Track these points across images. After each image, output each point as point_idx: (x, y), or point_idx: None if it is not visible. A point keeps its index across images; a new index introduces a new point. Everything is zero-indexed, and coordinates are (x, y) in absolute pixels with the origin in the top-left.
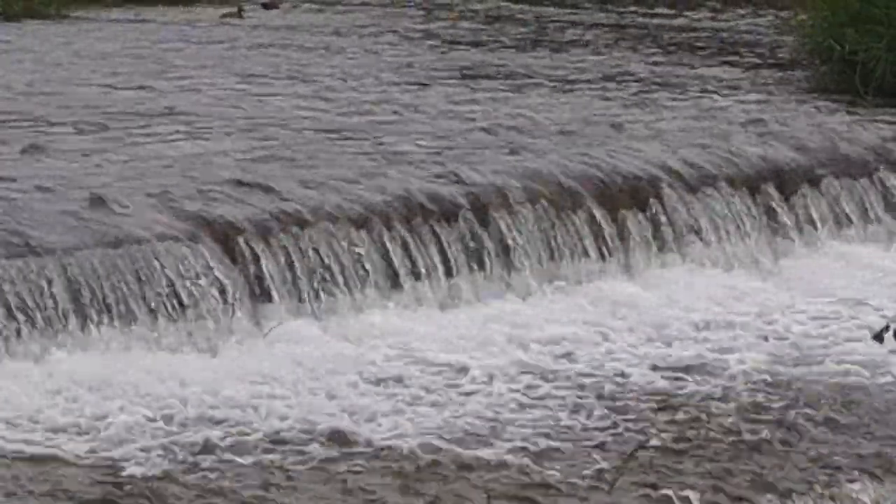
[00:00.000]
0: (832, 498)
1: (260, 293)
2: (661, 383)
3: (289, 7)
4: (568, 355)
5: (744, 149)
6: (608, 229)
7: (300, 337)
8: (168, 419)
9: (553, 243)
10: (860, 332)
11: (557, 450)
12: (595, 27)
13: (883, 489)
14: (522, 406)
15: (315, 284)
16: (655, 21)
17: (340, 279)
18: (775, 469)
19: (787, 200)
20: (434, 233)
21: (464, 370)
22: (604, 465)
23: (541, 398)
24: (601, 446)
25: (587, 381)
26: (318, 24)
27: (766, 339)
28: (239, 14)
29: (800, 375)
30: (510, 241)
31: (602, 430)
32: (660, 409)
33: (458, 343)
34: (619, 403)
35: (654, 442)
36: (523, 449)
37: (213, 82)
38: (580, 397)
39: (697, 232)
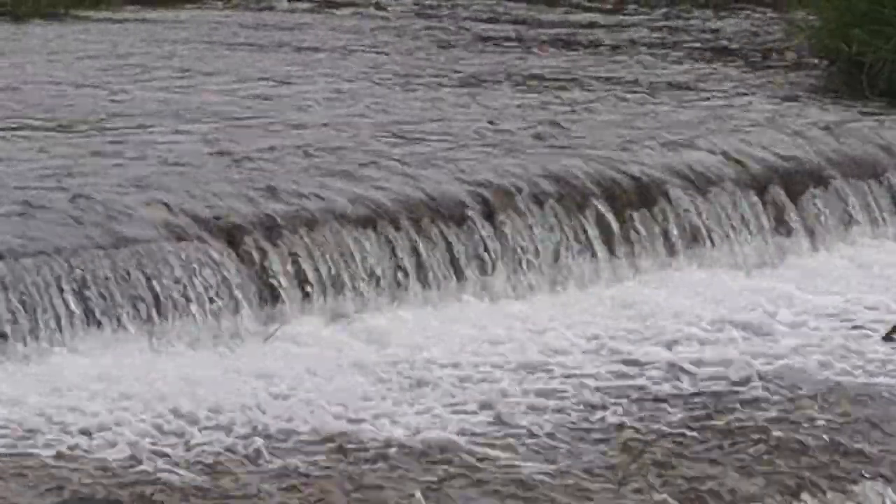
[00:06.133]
0: (841, 498)
1: None
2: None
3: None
4: None
5: (750, 149)
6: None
7: None
8: None
9: None
10: (869, 332)
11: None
12: (594, 30)
13: (891, 490)
14: None
15: None
16: (657, 23)
17: None
18: (783, 468)
19: (795, 201)
20: None
21: None
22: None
23: None
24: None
25: None
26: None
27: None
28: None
29: (807, 375)
30: None
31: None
32: (665, 408)
33: None
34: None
35: (658, 440)
36: None
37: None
38: None
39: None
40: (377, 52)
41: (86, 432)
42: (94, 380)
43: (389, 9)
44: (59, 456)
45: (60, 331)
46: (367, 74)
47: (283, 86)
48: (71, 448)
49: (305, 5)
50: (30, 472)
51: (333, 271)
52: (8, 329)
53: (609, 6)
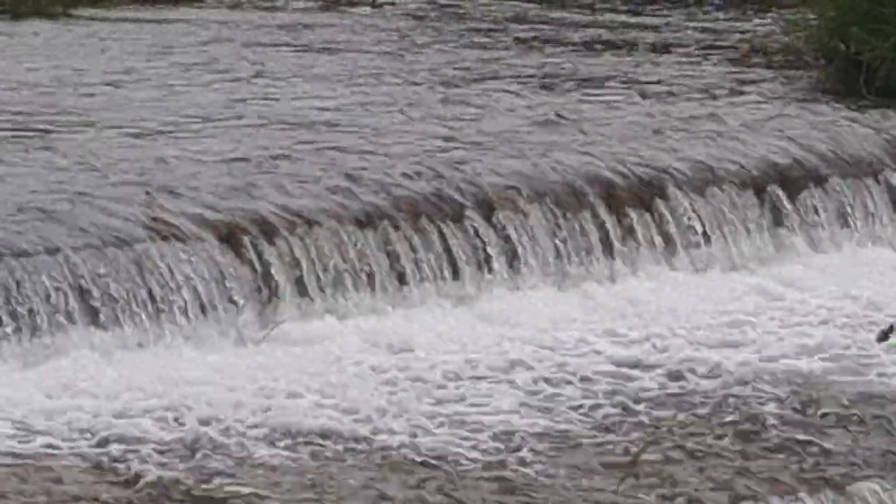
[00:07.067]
0: (840, 497)
1: None
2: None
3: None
4: None
5: (749, 148)
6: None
7: None
8: None
9: None
10: (865, 332)
11: None
12: (592, 28)
13: (890, 488)
14: None
15: None
16: (656, 21)
17: None
18: (783, 467)
19: (793, 200)
20: None
21: None
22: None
23: None
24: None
25: None
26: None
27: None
28: None
29: (805, 375)
30: None
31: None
32: (666, 408)
33: None
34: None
35: (660, 440)
36: None
37: None
38: None
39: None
40: (387, 54)
41: None
42: None
43: (385, 7)
44: None
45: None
46: (400, 76)
47: (287, 84)
48: None
49: (308, 4)
50: None
51: None
52: None
53: (625, 7)
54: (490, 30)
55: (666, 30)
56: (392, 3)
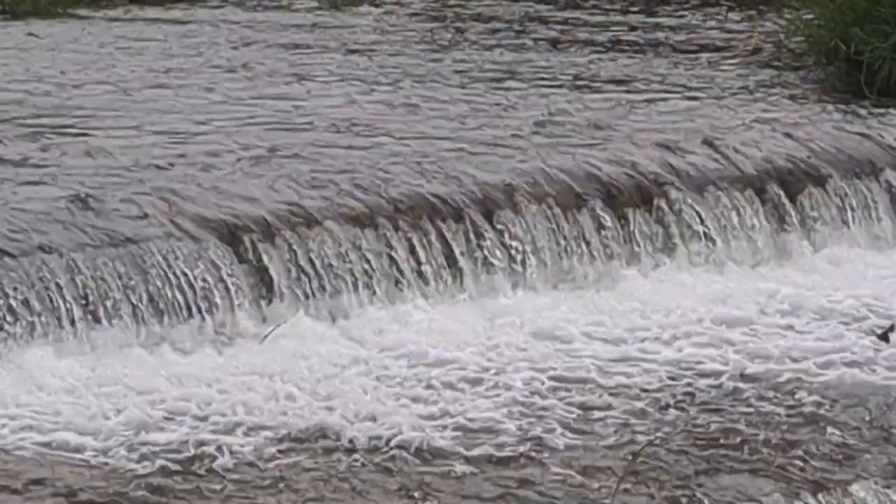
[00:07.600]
0: (838, 498)
1: None
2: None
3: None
4: None
5: (749, 149)
6: None
7: None
8: None
9: None
10: (865, 331)
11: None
12: (593, 29)
13: (889, 489)
14: None
15: None
16: (657, 21)
17: None
18: (781, 468)
19: (793, 201)
20: None
21: None
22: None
23: None
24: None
25: None
26: None
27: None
28: None
29: (804, 375)
30: None
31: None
32: (664, 409)
33: None
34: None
35: (659, 441)
36: None
37: None
38: None
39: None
40: (396, 54)
41: None
42: None
43: (385, 6)
44: None
45: None
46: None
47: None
48: None
49: (311, 4)
50: None
51: None
52: None
53: (636, 8)
54: (498, 30)
55: (669, 31)
56: (398, 3)
